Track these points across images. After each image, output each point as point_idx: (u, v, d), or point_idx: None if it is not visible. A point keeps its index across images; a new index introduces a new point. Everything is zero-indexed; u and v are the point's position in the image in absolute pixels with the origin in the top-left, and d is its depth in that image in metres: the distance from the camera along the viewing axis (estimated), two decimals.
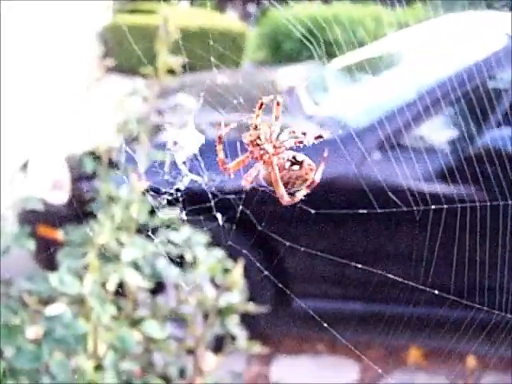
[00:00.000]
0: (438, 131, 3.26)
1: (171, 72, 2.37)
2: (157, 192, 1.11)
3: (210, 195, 1.19)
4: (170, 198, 1.11)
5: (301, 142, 1.02)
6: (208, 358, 2.21)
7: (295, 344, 3.52)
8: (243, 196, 1.22)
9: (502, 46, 3.14)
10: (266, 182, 1.02)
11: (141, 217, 2.06)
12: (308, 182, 1.01)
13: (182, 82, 3.93)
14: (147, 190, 1.17)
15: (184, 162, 1.06)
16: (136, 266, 1.88)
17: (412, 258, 3.31)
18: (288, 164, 1.00)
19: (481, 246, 2.40)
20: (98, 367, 1.67)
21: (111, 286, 1.82)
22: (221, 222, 1.21)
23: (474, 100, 2.82)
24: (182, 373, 2.12)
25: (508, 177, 2.35)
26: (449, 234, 2.39)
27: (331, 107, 3.65)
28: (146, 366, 2.03)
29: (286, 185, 1.01)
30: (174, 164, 1.07)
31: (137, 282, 1.86)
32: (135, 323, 1.89)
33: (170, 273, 2.11)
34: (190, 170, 1.08)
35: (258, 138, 1.01)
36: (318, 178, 1.02)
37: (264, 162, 1.01)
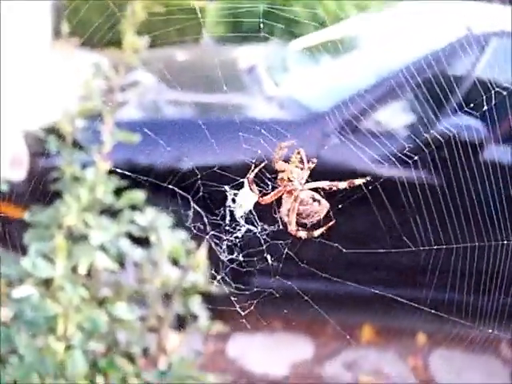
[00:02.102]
0: (397, 116, 3.33)
1: (136, 50, 2.36)
2: (219, 239, 1.39)
3: (262, 241, 1.41)
4: (229, 243, 1.39)
5: (330, 189, 1.28)
6: (170, 337, 2.25)
7: (251, 321, 3.58)
8: (289, 241, 1.45)
9: (460, 36, 3.21)
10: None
11: (106, 198, 2.07)
12: (320, 217, 1.26)
13: (141, 58, 3.90)
14: (211, 238, 1.44)
15: (241, 216, 1.32)
16: (103, 248, 1.90)
17: (365, 237, 3.40)
18: (311, 200, 1.25)
19: (432, 226, 2.47)
20: (68, 348, 1.69)
21: (82, 270, 1.84)
22: (270, 262, 1.43)
23: (432, 87, 2.88)
24: (145, 351, 2.15)
25: (462, 161, 2.42)
26: (401, 212, 2.46)
27: (291, 88, 3.68)
28: (111, 345, 2.05)
29: (302, 216, 1.26)
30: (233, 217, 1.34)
31: (106, 265, 1.88)
32: (101, 303, 1.91)
33: (135, 254, 2.14)
34: (247, 221, 1.35)
35: (289, 179, 1.25)
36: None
37: (292, 196, 1.25)
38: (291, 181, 1.24)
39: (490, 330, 1.95)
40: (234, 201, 1.30)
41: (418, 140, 2.97)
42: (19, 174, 3.26)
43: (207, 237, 1.45)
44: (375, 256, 3.15)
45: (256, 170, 1.26)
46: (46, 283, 1.75)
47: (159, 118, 3.64)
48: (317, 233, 1.28)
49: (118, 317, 1.86)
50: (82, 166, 2.23)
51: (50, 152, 2.31)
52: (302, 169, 1.26)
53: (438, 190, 2.40)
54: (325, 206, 1.25)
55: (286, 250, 1.43)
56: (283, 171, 1.25)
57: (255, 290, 1.53)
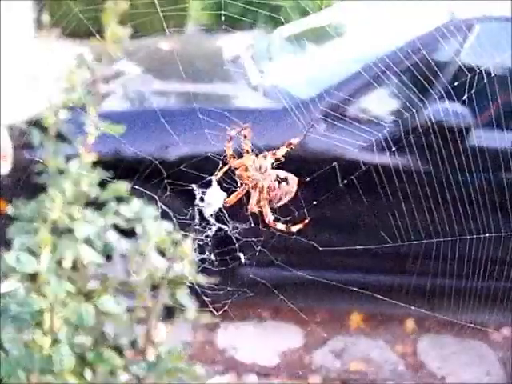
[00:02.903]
0: (382, 103, 3.32)
1: (118, 40, 2.35)
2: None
3: (234, 239, 1.38)
4: (200, 243, 1.35)
5: (277, 160, 1.21)
6: (159, 329, 2.24)
7: (240, 310, 3.58)
8: (262, 239, 1.41)
9: (443, 22, 3.21)
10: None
11: (91, 190, 2.06)
12: (292, 195, 1.21)
13: (125, 48, 3.87)
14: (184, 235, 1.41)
15: (211, 215, 1.28)
16: (89, 241, 1.89)
17: (350, 225, 3.40)
18: (277, 183, 1.19)
19: (419, 213, 2.47)
20: (54, 342, 1.69)
21: (67, 264, 1.83)
22: (243, 260, 1.39)
23: (416, 73, 2.88)
24: (133, 343, 2.14)
25: (449, 147, 2.42)
26: (389, 199, 2.47)
27: (276, 77, 3.67)
28: (98, 338, 2.04)
29: (274, 201, 1.21)
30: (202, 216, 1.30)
31: (92, 258, 1.87)
32: (88, 296, 1.90)
33: (121, 246, 2.13)
34: (217, 220, 1.30)
35: (246, 170, 1.19)
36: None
37: (257, 188, 1.20)
38: (249, 176, 1.20)
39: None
40: (202, 199, 1.26)
41: (403, 126, 2.98)
42: (3, 167, 3.24)
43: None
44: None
45: (224, 169, 1.23)
46: (32, 277, 1.74)
47: (143, 109, 3.62)
48: (295, 228, 1.25)
49: (105, 310, 1.85)
50: (67, 159, 2.21)
51: (33, 145, 2.29)
52: (256, 155, 1.21)
53: (423, 176, 2.40)
54: (293, 181, 1.20)
55: (260, 247, 1.41)
56: (238, 168, 1.21)
57: (228, 289, 1.51)
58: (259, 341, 3.40)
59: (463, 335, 3.58)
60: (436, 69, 3.00)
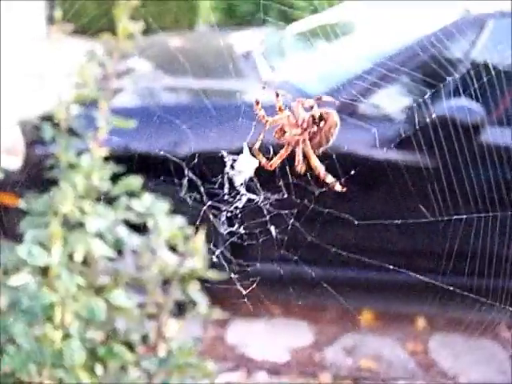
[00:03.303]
0: (394, 100, 3.31)
1: (130, 36, 2.35)
2: (217, 209, 1.26)
3: (265, 211, 1.31)
4: (229, 214, 1.26)
5: (311, 107, 1.13)
6: (170, 324, 2.24)
7: (251, 307, 3.58)
8: (295, 212, 1.34)
9: (457, 18, 3.19)
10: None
11: (102, 185, 2.06)
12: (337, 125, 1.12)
13: (136, 44, 3.88)
14: (209, 209, 1.33)
15: (241, 184, 1.20)
16: (100, 235, 1.89)
17: (363, 223, 3.38)
18: (315, 127, 1.11)
19: (431, 211, 2.46)
20: (65, 336, 1.69)
21: (79, 257, 1.83)
22: (274, 234, 1.34)
23: (428, 69, 2.86)
24: (144, 339, 2.14)
25: (460, 144, 2.41)
26: (400, 198, 2.45)
27: (287, 73, 3.66)
28: (109, 333, 2.04)
29: (322, 145, 1.13)
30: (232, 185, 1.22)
31: (103, 252, 1.87)
32: (99, 291, 1.90)
33: (132, 241, 2.13)
34: (247, 190, 1.22)
35: (283, 130, 1.13)
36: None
37: (300, 143, 1.13)
38: (285, 132, 1.13)
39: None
40: (232, 167, 1.18)
41: (414, 123, 2.96)
42: (15, 162, 3.25)
43: (204, 208, 1.34)
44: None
45: (261, 136, 1.15)
46: (43, 271, 1.74)
47: (155, 104, 3.62)
48: (338, 187, 1.16)
49: (116, 305, 1.85)
50: (78, 154, 2.21)
51: (46, 140, 2.29)
52: (293, 111, 1.15)
53: (434, 173, 2.38)
54: (332, 115, 1.11)
55: (292, 220, 1.35)
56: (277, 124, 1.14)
57: (258, 265, 1.45)
58: (270, 338, 3.39)
59: (474, 334, 3.57)
60: (448, 65, 2.99)
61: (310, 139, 1.12)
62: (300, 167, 1.13)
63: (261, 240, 1.36)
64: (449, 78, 3.01)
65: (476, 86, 2.05)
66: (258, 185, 1.24)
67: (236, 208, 1.24)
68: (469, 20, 3.27)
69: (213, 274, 2.25)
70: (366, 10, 4.09)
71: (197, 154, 1.39)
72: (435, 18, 3.25)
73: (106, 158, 2.23)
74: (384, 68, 3.05)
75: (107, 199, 2.17)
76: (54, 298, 1.66)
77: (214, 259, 1.37)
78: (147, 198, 2.19)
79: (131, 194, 2.18)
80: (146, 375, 2.06)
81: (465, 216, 1.73)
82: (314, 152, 1.14)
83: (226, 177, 1.20)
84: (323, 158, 1.31)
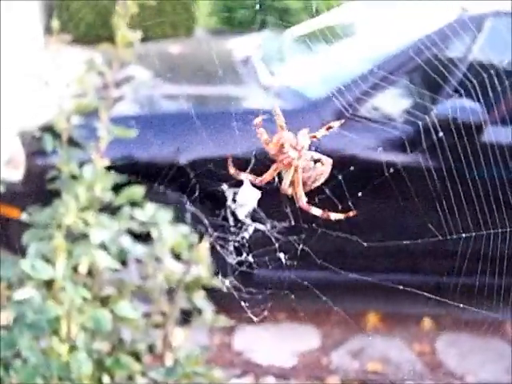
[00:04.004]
0: (394, 102, 3.31)
1: (129, 45, 2.34)
2: (224, 240, 1.21)
3: (273, 239, 1.29)
4: (236, 244, 1.27)
5: (314, 137, 1.10)
6: (176, 333, 2.24)
7: (256, 313, 3.57)
8: (303, 236, 1.32)
9: (455, 18, 3.19)
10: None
11: (105, 195, 2.06)
12: (327, 176, 1.11)
13: (134, 52, 3.88)
14: (216, 241, 1.30)
15: (246, 216, 1.19)
16: (104, 246, 1.88)
17: (365, 224, 3.38)
18: (312, 163, 1.09)
19: (435, 212, 2.45)
20: (72, 348, 1.68)
21: (83, 269, 1.82)
22: (284, 261, 1.30)
23: (428, 70, 2.86)
24: (151, 348, 2.14)
25: (462, 144, 2.40)
26: (403, 199, 2.45)
27: (287, 77, 3.66)
28: (116, 343, 2.04)
29: (307, 184, 1.11)
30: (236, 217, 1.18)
31: (108, 264, 1.86)
32: (104, 302, 1.89)
33: (136, 250, 2.12)
34: (253, 220, 1.21)
35: (282, 146, 1.08)
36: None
37: (291, 167, 1.09)
38: (285, 153, 1.09)
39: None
40: (234, 200, 1.17)
41: (415, 124, 2.96)
42: (16, 174, 3.25)
43: (211, 239, 1.32)
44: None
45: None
46: (47, 284, 1.74)
47: (155, 113, 3.62)
48: (334, 216, 1.14)
49: (122, 316, 1.84)
50: (79, 164, 2.21)
51: (46, 151, 2.29)
52: (300, 133, 1.11)
53: (436, 174, 2.37)
54: (327, 162, 1.11)
55: (301, 245, 1.33)
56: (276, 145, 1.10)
57: (268, 293, 1.42)
58: (276, 343, 3.39)
59: (481, 333, 3.56)
60: (448, 65, 2.99)
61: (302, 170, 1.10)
62: (285, 190, 1.11)
63: (270, 267, 1.34)
64: (449, 78, 3.02)
65: (476, 85, 2.05)
66: (264, 214, 1.21)
67: (243, 238, 1.23)
68: (467, 19, 3.26)
69: (218, 282, 2.25)
70: (364, 11, 4.09)
71: (197, 186, 1.38)
72: (433, 19, 3.25)
73: (108, 168, 2.22)
74: (384, 70, 3.06)
75: (110, 209, 2.17)
76: (59, 311, 1.65)
77: (224, 289, 1.34)
78: (150, 208, 2.19)
79: (133, 204, 2.18)
80: None
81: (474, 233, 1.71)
82: (303, 185, 1.11)
83: (228, 210, 1.17)
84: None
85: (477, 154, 2.35)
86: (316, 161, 1.10)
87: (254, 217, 1.19)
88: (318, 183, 1.12)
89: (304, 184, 1.11)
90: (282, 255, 1.32)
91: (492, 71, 1.97)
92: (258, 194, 1.15)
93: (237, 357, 3.32)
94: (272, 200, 1.15)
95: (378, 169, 3.04)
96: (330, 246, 1.56)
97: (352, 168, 2.16)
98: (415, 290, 1.79)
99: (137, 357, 2.04)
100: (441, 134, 2.63)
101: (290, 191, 1.11)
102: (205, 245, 2.21)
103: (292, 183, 1.11)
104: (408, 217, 2.88)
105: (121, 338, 2.06)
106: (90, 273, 1.96)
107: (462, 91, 2.61)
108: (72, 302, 1.65)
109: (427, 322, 3.67)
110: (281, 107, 3.14)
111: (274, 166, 1.11)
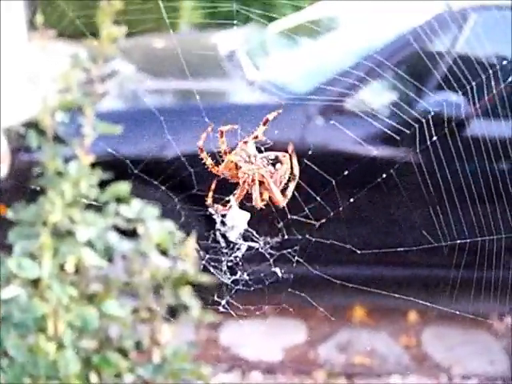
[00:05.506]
0: (379, 96, 3.31)
1: (113, 40, 2.33)
2: (217, 261, 1.24)
3: (267, 255, 1.28)
4: (230, 264, 1.23)
5: (256, 138, 1.09)
6: (163, 329, 2.23)
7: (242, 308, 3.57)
8: (297, 248, 1.32)
9: (439, 13, 3.20)
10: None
11: (90, 192, 2.04)
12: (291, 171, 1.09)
13: (119, 47, 3.86)
14: (208, 262, 1.28)
15: (237, 238, 1.15)
16: (90, 243, 1.87)
17: (350, 220, 3.39)
18: (271, 167, 1.08)
19: (421, 206, 2.45)
20: (59, 347, 1.67)
21: (70, 268, 1.81)
22: (280, 275, 1.31)
23: (412, 65, 2.87)
24: (138, 345, 2.13)
25: (446, 139, 2.41)
26: (388, 195, 2.45)
27: (272, 72, 3.66)
28: (103, 340, 2.03)
29: (277, 185, 1.09)
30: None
31: (94, 262, 1.85)
32: (91, 299, 1.89)
33: (122, 247, 2.11)
34: (245, 239, 1.17)
35: (237, 168, 1.08)
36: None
37: (258, 180, 1.08)
38: (244, 172, 1.08)
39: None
40: (223, 223, 1.13)
41: (400, 119, 2.96)
42: (1, 170, 3.22)
43: (203, 262, 1.30)
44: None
45: (213, 186, 1.13)
46: (34, 283, 1.72)
47: (139, 108, 3.60)
48: (289, 192, 1.12)
49: (110, 315, 1.83)
50: (64, 161, 2.19)
51: (31, 147, 2.27)
52: (242, 145, 1.10)
53: (422, 169, 2.38)
54: (285, 158, 1.08)
55: (296, 257, 1.32)
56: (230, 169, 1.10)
57: (266, 307, 1.42)
58: (263, 337, 3.39)
59: (466, 325, 3.58)
60: (432, 60, 2.99)
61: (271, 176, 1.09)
62: (257, 205, 1.09)
63: (267, 283, 1.33)
64: (434, 73, 3.03)
65: (461, 79, 2.05)
66: (255, 232, 1.20)
67: (236, 257, 1.21)
68: (451, 13, 3.27)
69: (205, 278, 2.24)
70: (348, 5, 4.09)
71: (182, 214, 1.36)
72: (418, 12, 3.26)
73: (93, 165, 2.21)
74: (369, 64, 3.05)
75: (96, 206, 2.16)
76: (45, 310, 1.64)
77: (221, 309, 1.33)
78: (136, 204, 2.18)
79: (119, 200, 2.17)
80: (141, 381, 2.05)
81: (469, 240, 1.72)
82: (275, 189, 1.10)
83: (218, 233, 1.16)
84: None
85: (461, 148, 2.36)
86: (274, 161, 1.09)
87: (245, 235, 1.17)
88: (285, 180, 1.10)
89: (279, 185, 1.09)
90: (277, 270, 1.31)
91: (477, 65, 1.97)
92: (247, 215, 1.12)
93: (224, 352, 3.32)
94: (261, 217, 1.14)
95: (364, 162, 3.06)
96: (325, 254, 1.57)
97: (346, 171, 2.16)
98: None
99: (124, 354, 2.04)
100: (425, 128, 2.64)
101: (261, 204, 1.09)
102: (192, 241, 2.21)
103: (261, 194, 1.10)
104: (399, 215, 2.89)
105: (108, 335, 2.05)
106: (76, 270, 1.95)
107: (447, 85, 2.62)
108: (59, 301, 1.64)
109: (413, 315, 3.69)
110: (266, 102, 3.16)
111: (239, 190, 1.11)
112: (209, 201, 1.13)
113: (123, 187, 2.15)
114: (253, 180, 1.09)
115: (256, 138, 1.09)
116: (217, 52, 4.13)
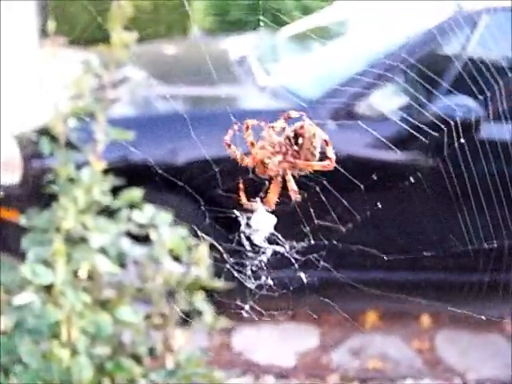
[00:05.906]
0: (390, 100, 3.30)
1: (125, 46, 2.34)
2: (241, 265, 1.22)
3: (292, 260, 1.25)
4: (254, 268, 1.21)
5: (272, 128, 1.05)
6: (176, 335, 2.23)
7: (255, 313, 3.56)
8: (323, 253, 1.31)
9: (450, 15, 3.19)
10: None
11: (103, 198, 2.05)
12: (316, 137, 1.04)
13: (130, 53, 3.87)
14: (232, 266, 1.27)
15: (262, 241, 1.13)
16: (103, 250, 1.87)
17: (363, 222, 3.37)
18: (296, 147, 1.03)
19: (432, 209, 2.45)
20: (73, 353, 1.68)
21: (83, 274, 1.82)
22: (305, 280, 1.28)
23: (424, 68, 2.85)
24: (151, 351, 2.13)
25: (459, 142, 2.39)
26: (400, 200, 2.45)
27: (283, 77, 3.65)
28: (116, 347, 2.03)
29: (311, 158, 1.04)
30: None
31: (108, 268, 1.86)
32: (104, 305, 1.89)
33: (135, 253, 2.11)
34: (270, 242, 1.15)
35: (263, 163, 1.05)
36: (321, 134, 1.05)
37: (289, 167, 1.05)
38: (266, 164, 1.05)
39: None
40: (248, 225, 1.11)
41: (412, 122, 2.94)
42: (13, 177, 3.24)
43: (227, 266, 1.28)
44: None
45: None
46: (47, 289, 1.73)
47: (151, 114, 3.61)
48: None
49: (124, 321, 1.83)
50: (77, 167, 2.20)
51: (43, 154, 2.28)
52: (252, 144, 1.06)
53: (434, 173, 2.36)
54: (306, 127, 1.03)
55: (322, 262, 1.30)
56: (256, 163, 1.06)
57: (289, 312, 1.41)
58: (276, 342, 3.38)
59: (480, 329, 3.56)
60: (444, 62, 2.98)
61: (296, 160, 1.04)
62: (295, 197, 1.06)
63: (292, 288, 1.32)
64: (445, 75, 3.01)
65: (472, 82, 2.04)
66: (281, 236, 1.17)
67: (261, 261, 1.19)
68: (463, 16, 3.26)
69: (218, 284, 2.24)
70: (358, 9, 4.08)
71: (207, 214, 1.35)
72: (429, 15, 3.25)
73: (105, 171, 2.22)
74: (380, 67, 3.05)
75: (108, 212, 2.16)
76: (59, 316, 1.65)
77: (245, 314, 1.31)
78: (149, 209, 2.18)
79: (131, 206, 2.17)
80: None
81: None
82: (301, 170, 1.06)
83: (242, 235, 1.14)
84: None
85: (474, 151, 2.34)
86: (295, 137, 1.03)
87: (270, 239, 1.15)
88: (317, 148, 1.05)
89: (308, 162, 1.05)
90: (302, 275, 1.30)
91: (488, 67, 1.96)
92: (273, 219, 1.09)
93: (237, 357, 3.32)
94: (288, 220, 1.12)
95: (372, 166, 3.06)
96: (349, 259, 1.55)
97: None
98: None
99: (137, 360, 2.04)
100: (437, 131, 2.63)
101: (299, 197, 1.06)
102: (205, 247, 2.21)
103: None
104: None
105: (121, 342, 2.05)
106: (89, 276, 1.95)
107: (459, 88, 2.61)
108: (72, 307, 1.64)
109: (426, 319, 3.67)
110: (277, 107, 3.17)
111: (273, 184, 1.07)
112: (243, 199, 1.09)
113: (136, 193, 2.15)
114: (284, 169, 1.06)
115: (273, 128, 1.05)
116: (228, 58, 4.14)
